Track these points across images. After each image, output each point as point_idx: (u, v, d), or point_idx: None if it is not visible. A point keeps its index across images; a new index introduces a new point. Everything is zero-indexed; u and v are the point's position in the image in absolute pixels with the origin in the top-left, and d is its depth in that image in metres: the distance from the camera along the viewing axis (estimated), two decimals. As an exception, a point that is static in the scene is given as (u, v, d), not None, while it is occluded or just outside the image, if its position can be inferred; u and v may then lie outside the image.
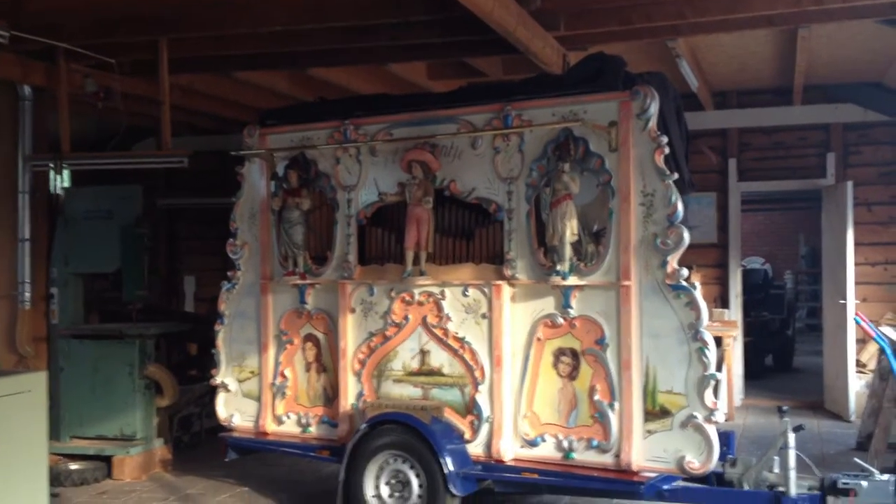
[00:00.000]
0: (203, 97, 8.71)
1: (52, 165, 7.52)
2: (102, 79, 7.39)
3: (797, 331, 15.07)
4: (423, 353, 5.92)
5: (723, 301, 10.38)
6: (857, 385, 9.41)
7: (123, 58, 7.35)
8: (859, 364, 9.61)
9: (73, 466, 7.20)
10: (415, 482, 5.62)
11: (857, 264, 9.47)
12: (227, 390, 6.70)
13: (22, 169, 7.47)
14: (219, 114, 9.45)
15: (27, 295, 7.45)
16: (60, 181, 7.68)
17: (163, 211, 11.38)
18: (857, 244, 9.46)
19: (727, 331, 9.37)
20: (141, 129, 10.04)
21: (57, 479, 6.85)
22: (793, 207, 18.22)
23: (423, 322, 5.91)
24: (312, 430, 6.38)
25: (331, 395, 6.32)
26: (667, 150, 5.19)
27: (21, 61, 7.10)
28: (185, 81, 7.98)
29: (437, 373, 5.87)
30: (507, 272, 5.64)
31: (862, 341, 9.62)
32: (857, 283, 9.44)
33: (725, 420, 5.27)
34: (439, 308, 5.85)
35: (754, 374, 11.51)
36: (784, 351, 13.57)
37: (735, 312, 10.36)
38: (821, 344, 11.05)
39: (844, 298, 9.33)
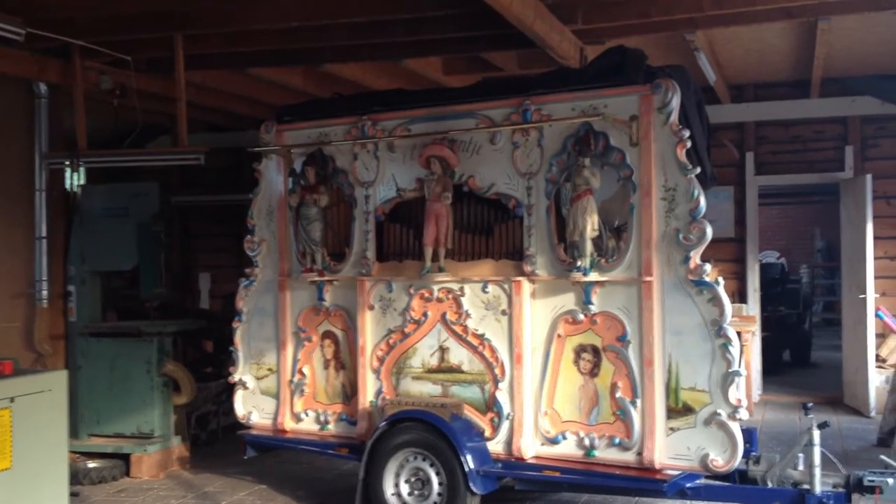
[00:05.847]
0: (217, 94, 8.69)
1: (68, 163, 7.52)
2: (118, 76, 7.39)
3: (814, 325, 14.97)
4: (443, 349, 5.89)
5: (741, 296, 10.30)
6: (877, 380, 9.31)
7: (139, 55, 7.35)
8: (879, 359, 9.52)
9: (92, 464, 7.19)
10: (435, 480, 5.59)
11: (876, 258, 9.38)
12: (246, 387, 6.69)
13: (38, 167, 7.47)
14: (232, 110, 9.43)
15: (44, 293, 7.46)
16: (77, 179, 7.67)
17: (177, 208, 11.37)
18: (875, 238, 9.37)
19: (746, 326, 9.30)
20: (154, 127, 10.02)
21: (75, 477, 6.84)
22: (808, 201, 18.09)
23: (443, 319, 5.87)
24: (331, 427, 6.36)
25: (349, 393, 6.30)
26: (689, 145, 5.14)
27: (37, 59, 7.09)
28: (199, 79, 7.96)
29: (456, 370, 5.83)
30: (527, 268, 5.59)
31: (881, 336, 9.53)
32: (876, 278, 9.35)
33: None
34: (459, 305, 5.82)
35: (772, 369, 11.43)
36: (801, 346, 13.47)
37: (753, 307, 10.28)
38: (837, 339, 10.96)
39: (864, 293, 9.25)
